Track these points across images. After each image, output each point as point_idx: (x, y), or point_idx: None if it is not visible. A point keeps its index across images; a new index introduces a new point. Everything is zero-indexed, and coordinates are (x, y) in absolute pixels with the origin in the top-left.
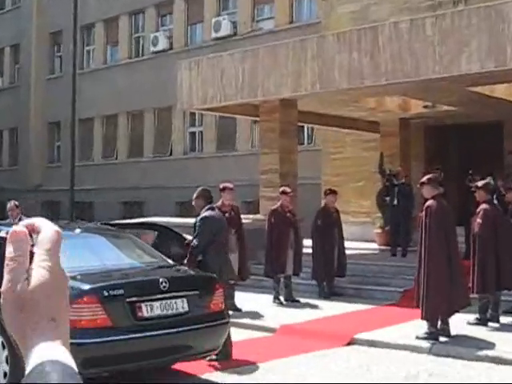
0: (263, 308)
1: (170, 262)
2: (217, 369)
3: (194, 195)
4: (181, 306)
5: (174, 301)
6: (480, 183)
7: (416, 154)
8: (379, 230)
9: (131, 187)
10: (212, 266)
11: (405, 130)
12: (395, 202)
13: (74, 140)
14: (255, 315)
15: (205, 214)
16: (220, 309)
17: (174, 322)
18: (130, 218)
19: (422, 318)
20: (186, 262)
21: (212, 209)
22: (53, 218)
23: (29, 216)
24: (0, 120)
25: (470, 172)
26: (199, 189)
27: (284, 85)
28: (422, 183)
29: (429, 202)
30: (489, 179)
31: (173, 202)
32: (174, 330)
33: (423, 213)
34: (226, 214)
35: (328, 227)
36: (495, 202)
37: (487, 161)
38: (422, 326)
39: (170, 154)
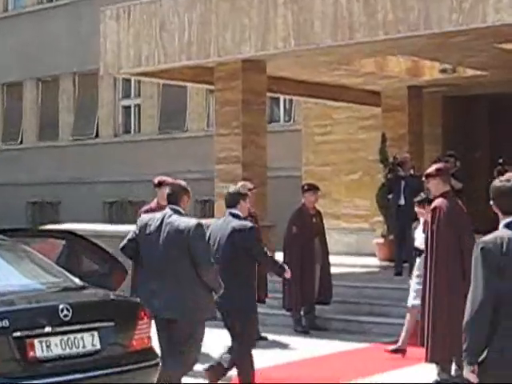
0: (217, 349)
1: (78, 282)
2: None
3: None
4: (90, 342)
5: (79, 335)
6: (508, 176)
7: (431, 134)
8: (380, 240)
9: (42, 182)
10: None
11: (415, 102)
12: (401, 200)
13: None
14: (205, 358)
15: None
16: (145, 345)
17: (79, 364)
18: (41, 223)
19: (426, 361)
20: None
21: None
22: None
23: None
24: None
25: (500, 161)
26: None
27: (246, 40)
28: (429, 175)
29: (437, 202)
30: None
31: (99, 203)
32: (80, 375)
33: (430, 216)
34: None
35: (306, 237)
36: None
37: None
38: (432, 372)
39: (96, 136)
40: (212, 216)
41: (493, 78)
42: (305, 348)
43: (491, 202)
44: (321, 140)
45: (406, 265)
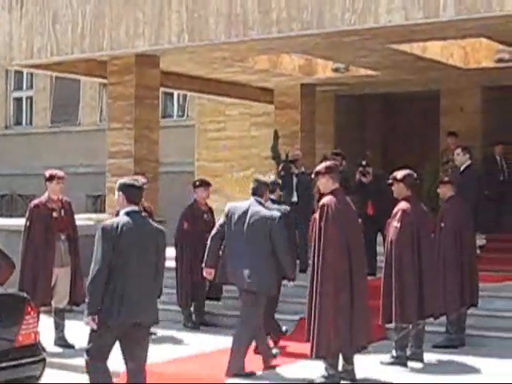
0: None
1: None
2: None
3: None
4: None
5: None
6: (399, 174)
7: (323, 132)
8: None
9: None
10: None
11: (308, 100)
12: (294, 198)
13: None
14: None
15: None
16: (32, 341)
17: None
18: None
19: (312, 356)
20: None
21: None
22: None
23: None
24: None
25: (363, 163)
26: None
27: (140, 35)
28: (319, 173)
29: (325, 200)
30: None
31: None
32: None
33: (317, 213)
34: (54, 213)
35: (198, 233)
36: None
37: (418, 143)
38: (320, 367)
39: None
40: (103, 211)
41: (385, 78)
42: (195, 344)
43: (119, 193)
44: (214, 136)
45: (297, 261)
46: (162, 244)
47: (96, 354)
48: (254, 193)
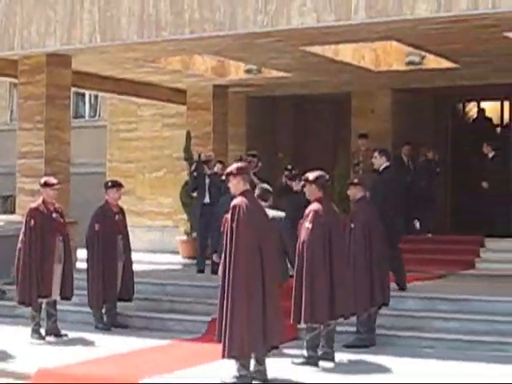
0: (16, 346)
1: None
2: None
3: None
4: None
5: None
6: (311, 176)
7: (235, 133)
8: (184, 237)
9: None
10: None
11: (221, 101)
12: (206, 199)
13: None
14: (3, 356)
15: None
16: None
17: None
18: None
19: (223, 356)
20: None
21: None
22: None
23: None
24: None
25: (289, 167)
26: None
27: (51, 34)
28: (230, 174)
29: (236, 200)
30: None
31: None
32: None
33: (229, 215)
34: None
35: (109, 234)
36: None
37: (330, 145)
38: (231, 367)
39: None
40: (13, 212)
41: (297, 80)
42: (106, 345)
43: None
44: (126, 137)
45: (208, 262)
46: None
47: None
48: (261, 198)
